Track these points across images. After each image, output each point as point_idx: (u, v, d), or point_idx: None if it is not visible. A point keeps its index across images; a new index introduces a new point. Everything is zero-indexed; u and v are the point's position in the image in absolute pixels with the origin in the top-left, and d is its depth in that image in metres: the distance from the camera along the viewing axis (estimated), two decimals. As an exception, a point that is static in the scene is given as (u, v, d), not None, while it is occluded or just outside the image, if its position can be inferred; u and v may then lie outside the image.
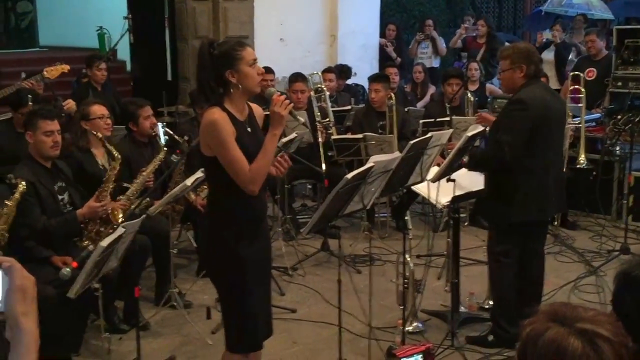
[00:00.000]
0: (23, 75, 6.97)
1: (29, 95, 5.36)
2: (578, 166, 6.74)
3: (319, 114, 6.90)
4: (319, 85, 7.25)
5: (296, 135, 5.82)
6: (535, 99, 4.29)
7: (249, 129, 3.32)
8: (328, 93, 7.32)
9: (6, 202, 3.99)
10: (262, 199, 3.46)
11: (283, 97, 3.32)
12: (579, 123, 6.89)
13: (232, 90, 3.24)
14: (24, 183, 4.11)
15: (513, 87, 4.43)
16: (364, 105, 7.62)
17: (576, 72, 7.31)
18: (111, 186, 4.64)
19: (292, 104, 3.36)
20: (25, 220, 4.17)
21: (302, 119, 3.63)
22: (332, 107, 7.29)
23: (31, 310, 1.44)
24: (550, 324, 1.46)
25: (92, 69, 7.58)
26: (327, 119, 6.99)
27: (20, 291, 1.42)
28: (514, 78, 4.39)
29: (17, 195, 4.04)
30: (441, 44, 10.71)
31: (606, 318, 1.45)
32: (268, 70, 8.14)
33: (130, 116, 5.38)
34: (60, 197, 4.46)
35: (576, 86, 7.02)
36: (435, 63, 10.65)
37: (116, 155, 4.73)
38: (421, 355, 3.49)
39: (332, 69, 8.48)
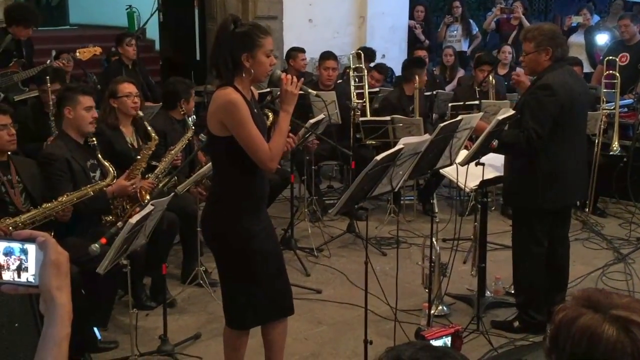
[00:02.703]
0: (53, 52, 7.05)
1: (47, 77, 5.36)
2: (611, 153, 6.67)
3: (355, 94, 6.89)
4: (358, 65, 7.22)
5: (324, 116, 5.80)
6: (561, 85, 4.23)
7: (255, 110, 3.35)
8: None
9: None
10: (266, 182, 3.50)
11: (290, 76, 3.35)
12: (612, 108, 6.79)
13: (243, 73, 3.25)
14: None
15: (537, 70, 4.37)
16: (395, 88, 7.53)
17: (611, 57, 7.20)
18: (144, 166, 4.68)
19: (302, 80, 3.42)
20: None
21: (314, 92, 3.69)
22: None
23: (65, 284, 1.45)
24: (583, 310, 1.43)
25: (122, 46, 7.60)
26: (363, 100, 6.97)
27: (55, 266, 1.44)
28: (539, 61, 4.32)
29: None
30: (473, 29, 10.59)
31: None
32: (300, 49, 8.12)
33: (184, 94, 5.47)
34: (92, 174, 4.49)
35: (610, 71, 6.91)
36: (464, 46, 10.54)
37: (153, 136, 4.78)
38: (449, 338, 3.47)
39: (382, 70, 8.26)
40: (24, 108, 6.00)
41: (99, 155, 4.33)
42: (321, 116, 5.82)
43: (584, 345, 1.39)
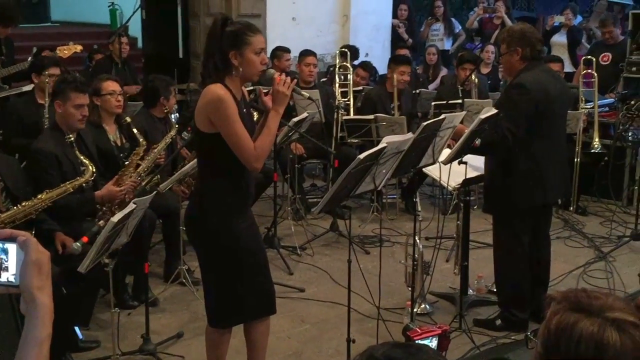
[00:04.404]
0: (34, 50, 6.99)
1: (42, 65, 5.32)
2: (592, 151, 6.73)
3: (339, 92, 6.91)
4: (343, 63, 7.23)
5: (307, 114, 5.81)
6: (535, 83, 4.24)
7: (244, 110, 3.34)
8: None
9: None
10: (252, 179, 3.48)
11: (283, 76, 3.34)
12: (592, 107, 6.84)
13: (233, 71, 3.25)
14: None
15: (513, 71, 4.40)
16: (376, 86, 7.56)
17: (589, 57, 7.25)
18: (132, 172, 4.64)
19: (295, 81, 3.41)
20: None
21: (306, 94, 3.67)
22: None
23: (46, 284, 1.44)
24: (576, 314, 1.42)
25: (113, 44, 7.55)
26: (347, 98, 6.98)
27: (36, 265, 1.43)
28: (512, 62, 4.37)
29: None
30: (455, 27, 10.63)
31: (623, 303, 1.44)
32: (285, 49, 8.11)
33: (163, 91, 5.45)
34: (82, 168, 4.44)
35: (589, 70, 6.96)
36: (447, 45, 10.58)
37: (141, 141, 4.75)
38: (436, 339, 3.42)
39: (368, 68, 8.30)
40: (16, 101, 5.94)
41: (77, 152, 4.28)
42: (305, 114, 5.83)
43: (591, 354, 1.39)
